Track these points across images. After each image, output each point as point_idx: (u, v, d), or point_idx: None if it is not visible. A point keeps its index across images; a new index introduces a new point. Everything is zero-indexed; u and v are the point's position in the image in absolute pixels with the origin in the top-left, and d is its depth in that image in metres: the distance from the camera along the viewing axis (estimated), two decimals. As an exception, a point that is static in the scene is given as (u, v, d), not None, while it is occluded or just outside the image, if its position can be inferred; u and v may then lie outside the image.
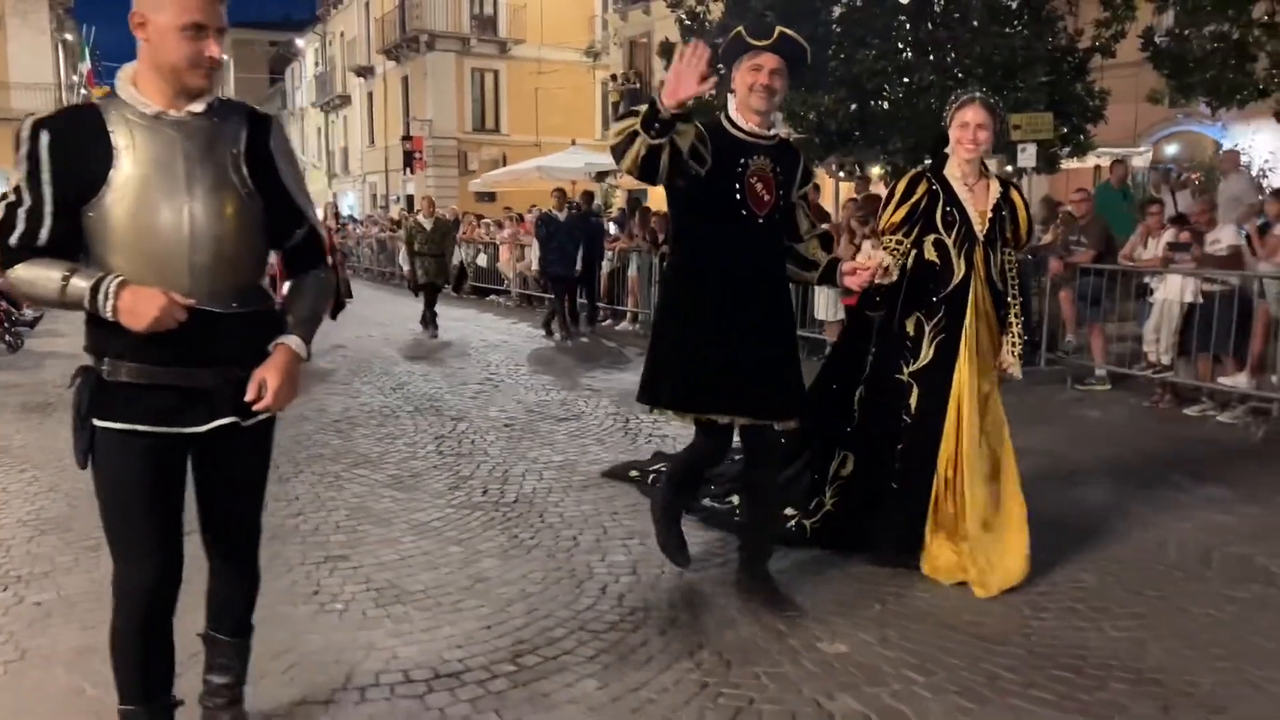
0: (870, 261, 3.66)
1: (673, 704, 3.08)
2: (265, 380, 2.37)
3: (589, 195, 17.39)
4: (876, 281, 3.74)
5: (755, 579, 3.88)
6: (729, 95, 3.68)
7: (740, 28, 3.63)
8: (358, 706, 3.06)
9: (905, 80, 13.95)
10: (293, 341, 2.44)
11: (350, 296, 15.54)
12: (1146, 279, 8.52)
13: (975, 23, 14.05)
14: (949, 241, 4.09)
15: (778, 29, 3.58)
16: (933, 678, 3.28)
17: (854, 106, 14.49)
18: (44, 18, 35.03)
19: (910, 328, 4.14)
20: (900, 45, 14.13)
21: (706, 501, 4.83)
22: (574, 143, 25.92)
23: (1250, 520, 5.00)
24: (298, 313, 2.51)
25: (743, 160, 3.56)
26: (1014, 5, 14.38)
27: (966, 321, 4.08)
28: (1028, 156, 12.07)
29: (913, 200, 4.13)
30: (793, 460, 4.53)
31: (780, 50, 3.55)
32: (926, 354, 4.11)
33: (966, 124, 4.05)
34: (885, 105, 14.12)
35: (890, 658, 3.42)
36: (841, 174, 17.14)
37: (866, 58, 13.88)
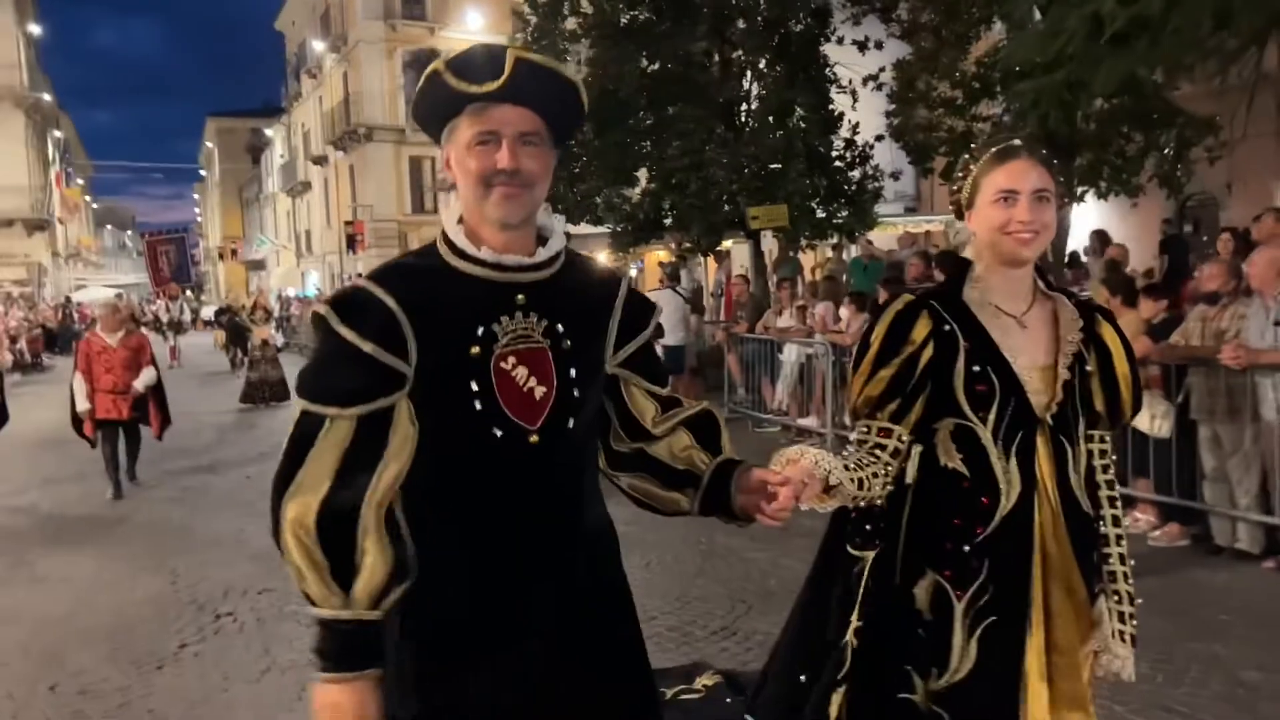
0: (793, 469, 1.89)
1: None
2: None
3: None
4: (810, 506, 1.99)
5: None
6: (442, 197, 2.35)
7: (439, 62, 1.82)
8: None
9: (701, 175, 16.39)
10: None
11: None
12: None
13: (753, 123, 16.60)
14: (982, 431, 2.12)
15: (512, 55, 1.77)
16: None
17: (665, 200, 16.99)
18: (19, 125, 38.05)
19: (923, 598, 2.14)
20: (699, 143, 16.57)
21: None
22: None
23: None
24: None
25: (481, 328, 1.79)
26: (799, 107, 16.93)
27: (1034, 584, 2.12)
28: (769, 243, 14.43)
29: (905, 354, 2.15)
30: None
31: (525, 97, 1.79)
32: (964, 653, 2.10)
33: (1016, 193, 2.05)
34: (687, 197, 16.53)
35: None
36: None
37: (670, 155, 16.38)
